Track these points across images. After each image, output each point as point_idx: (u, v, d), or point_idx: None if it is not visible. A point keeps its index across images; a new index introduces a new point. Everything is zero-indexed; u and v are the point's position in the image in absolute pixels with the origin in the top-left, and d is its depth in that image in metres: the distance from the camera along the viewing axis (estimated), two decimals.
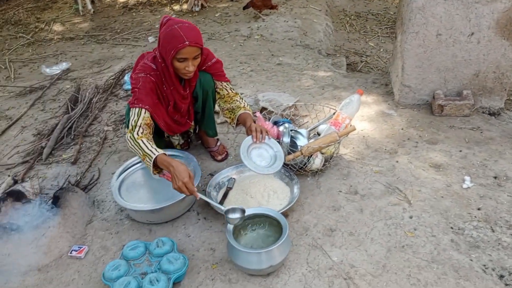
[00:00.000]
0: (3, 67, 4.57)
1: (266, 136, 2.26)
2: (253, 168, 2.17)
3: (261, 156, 2.24)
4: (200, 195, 1.98)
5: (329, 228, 2.14)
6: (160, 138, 2.54)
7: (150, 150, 2.01)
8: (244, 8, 5.33)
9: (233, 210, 1.97)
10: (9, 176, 2.70)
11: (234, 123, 2.44)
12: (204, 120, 2.57)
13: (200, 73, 2.35)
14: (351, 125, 2.48)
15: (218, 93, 2.47)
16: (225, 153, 2.75)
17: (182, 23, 2.07)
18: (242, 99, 2.48)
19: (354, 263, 1.94)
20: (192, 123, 2.61)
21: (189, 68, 2.11)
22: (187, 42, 2.02)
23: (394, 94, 3.26)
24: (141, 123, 2.10)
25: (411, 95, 3.10)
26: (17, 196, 2.30)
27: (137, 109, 2.13)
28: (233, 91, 2.49)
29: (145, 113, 2.13)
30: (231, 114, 2.45)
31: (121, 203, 2.18)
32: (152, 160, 1.98)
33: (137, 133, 2.08)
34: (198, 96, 2.41)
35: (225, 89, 2.47)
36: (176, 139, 2.69)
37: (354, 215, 2.21)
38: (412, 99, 3.12)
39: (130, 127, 2.11)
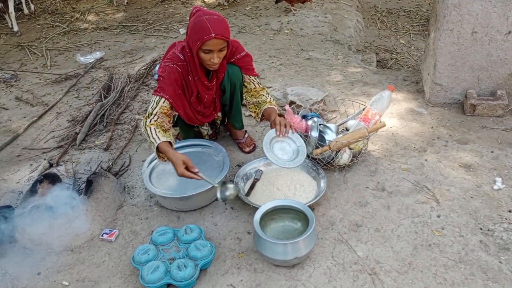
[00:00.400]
0: (40, 55, 4.71)
1: (290, 130, 2.28)
2: (274, 160, 2.21)
3: (283, 150, 2.28)
4: (200, 175, 2.05)
5: (355, 224, 2.15)
6: (190, 128, 2.60)
7: (154, 138, 2.11)
8: (277, 1, 5.33)
9: (224, 185, 2.10)
10: (44, 159, 2.80)
11: (258, 118, 2.47)
12: (232, 113, 2.60)
13: (228, 65, 2.38)
14: (380, 121, 2.47)
15: (246, 86, 2.50)
16: (253, 145, 2.78)
17: (210, 15, 2.10)
18: (269, 94, 2.50)
19: (380, 259, 1.94)
20: (219, 115, 2.65)
21: (214, 60, 2.14)
22: (213, 34, 2.05)
23: (425, 92, 3.22)
24: (157, 112, 2.19)
25: (443, 93, 3.06)
26: (52, 179, 2.40)
27: (157, 97, 2.21)
28: (260, 86, 2.51)
29: (163, 102, 2.21)
30: (256, 109, 2.48)
31: (152, 190, 2.24)
32: (155, 147, 2.10)
33: (150, 121, 2.17)
34: (226, 88, 2.44)
35: (253, 83, 2.49)
36: (205, 129, 2.73)
37: (381, 212, 2.21)
38: (443, 98, 3.07)
39: (147, 113, 2.20)
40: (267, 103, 2.43)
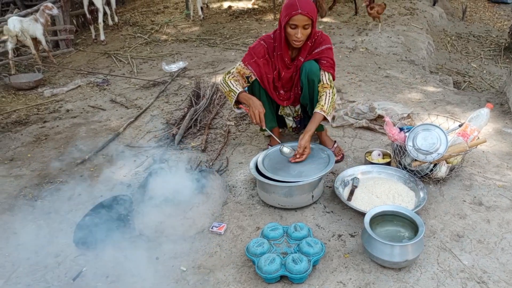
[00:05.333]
0: (126, 62, 5.05)
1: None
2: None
3: (425, 139, 2.42)
4: (266, 128, 2.59)
5: (456, 234, 2.20)
6: (274, 116, 2.84)
7: (236, 88, 2.61)
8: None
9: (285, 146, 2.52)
10: (147, 157, 3.01)
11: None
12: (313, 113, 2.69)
13: (307, 62, 2.57)
14: (478, 138, 2.52)
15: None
16: (341, 155, 2.88)
17: None
18: (330, 96, 2.56)
19: (486, 269, 1.98)
20: (297, 109, 2.88)
21: (298, 35, 2.41)
22: (299, 10, 2.34)
23: None
24: (234, 71, 2.67)
25: None
26: (163, 174, 2.58)
27: (238, 63, 2.69)
28: (329, 83, 2.59)
29: (239, 65, 2.67)
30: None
31: (260, 179, 2.38)
32: (236, 95, 2.58)
33: (228, 77, 2.67)
34: (303, 85, 2.61)
35: (323, 76, 2.59)
36: (290, 121, 2.96)
37: (481, 225, 2.25)
38: None
39: (226, 72, 2.70)
40: (318, 107, 2.54)
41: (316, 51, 2.58)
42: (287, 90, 2.74)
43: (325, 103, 2.54)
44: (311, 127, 2.51)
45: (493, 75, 5.13)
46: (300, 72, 2.60)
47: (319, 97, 2.58)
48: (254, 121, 2.53)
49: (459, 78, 4.96)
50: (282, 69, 2.63)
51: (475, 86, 4.82)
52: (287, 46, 2.55)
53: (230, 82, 2.64)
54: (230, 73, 2.68)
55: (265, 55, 2.61)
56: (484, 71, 5.22)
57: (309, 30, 2.44)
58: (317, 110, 2.53)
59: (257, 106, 2.51)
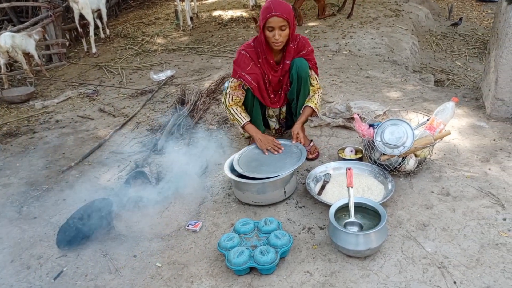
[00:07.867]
0: (116, 73, 5.18)
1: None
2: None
3: (392, 134, 2.53)
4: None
5: (422, 223, 2.27)
6: (261, 119, 2.93)
7: (240, 117, 2.74)
8: None
9: (351, 223, 2.19)
10: (130, 162, 3.12)
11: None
12: (298, 108, 2.85)
13: (297, 58, 2.71)
14: (445, 130, 2.60)
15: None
16: (317, 153, 2.97)
17: (276, 0, 2.51)
18: (320, 96, 2.86)
19: (448, 255, 2.06)
20: (283, 110, 3.00)
21: (276, 37, 2.51)
22: (274, 13, 2.45)
23: (486, 108, 3.31)
24: (230, 91, 2.75)
25: (504, 108, 3.15)
26: (143, 177, 2.69)
27: (229, 79, 2.77)
28: (317, 86, 2.84)
29: (231, 82, 2.74)
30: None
31: (233, 178, 2.48)
32: (241, 125, 2.73)
33: (229, 101, 2.76)
34: (293, 80, 2.74)
35: (314, 79, 2.82)
36: (274, 122, 3.07)
37: (447, 214, 2.32)
38: (505, 113, 3.16)
39: (223, 94, 2.82)
40: (312, 103, 2.79)
41: (302, 53, 2.72)
42: (276, 93, 2.85)
43: (317, 102, 2.82)
44: (302, 118, 2.78)
45: (477, 72, 5.21)
46: (290, 67, 2.73)
47: (311, 96, 2.81)
48: (276, 153, 2.63)
49: (443, 76, 5.04)
50: (269, 73, 2.72)
51: (459, 83, 4.90)
52: (269, 49, 2.66)
53: (232, 109, 2.76)
54: (227, 94, 2.77)
55: (250, 63, 2.67)
56: (469, 69, 5.30)
57: (286, 31, 2.54)
58: (311, 105, 2.78)
59: (266, 142, 2.68)
